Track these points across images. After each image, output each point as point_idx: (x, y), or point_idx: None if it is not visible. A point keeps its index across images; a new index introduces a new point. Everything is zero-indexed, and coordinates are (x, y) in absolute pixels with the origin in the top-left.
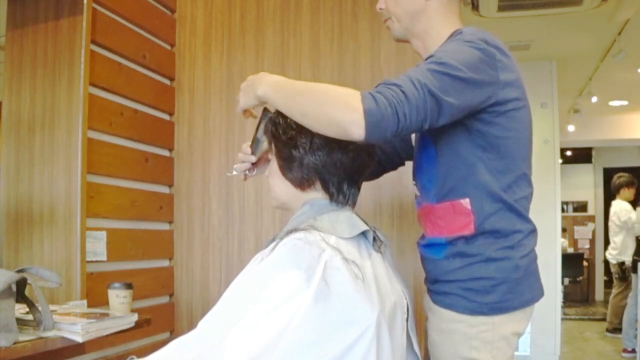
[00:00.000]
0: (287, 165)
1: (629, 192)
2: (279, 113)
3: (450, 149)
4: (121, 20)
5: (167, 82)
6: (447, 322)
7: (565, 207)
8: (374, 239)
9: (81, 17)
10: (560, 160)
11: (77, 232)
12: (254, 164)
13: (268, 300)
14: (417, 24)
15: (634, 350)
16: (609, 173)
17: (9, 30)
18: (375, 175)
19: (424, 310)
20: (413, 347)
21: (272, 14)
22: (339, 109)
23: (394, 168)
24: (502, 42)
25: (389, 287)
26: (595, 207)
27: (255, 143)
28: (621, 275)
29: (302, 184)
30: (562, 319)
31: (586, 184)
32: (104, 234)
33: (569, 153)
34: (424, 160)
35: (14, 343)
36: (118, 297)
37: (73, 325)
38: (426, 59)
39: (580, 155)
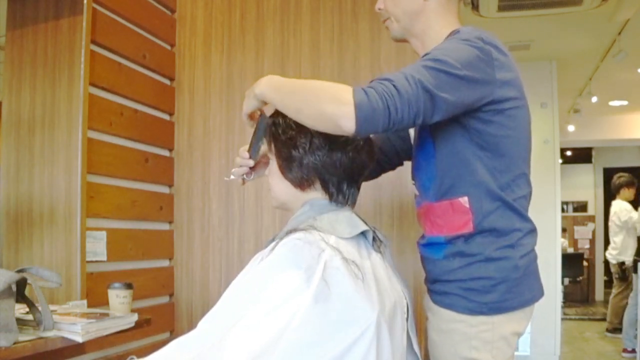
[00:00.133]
0: (286, 165)
1: (629, 192)
2: (278, 113)
3: (448, 148)
4: (121, 20)
5: (167, 82)
6: (446, 322)
7: (565, 207)
8: (374, 238)
9: (81, 17)
10: (560, 160)
11: (77, 232)
12: (251, 168)
13: (268, 300)
14: (415, 24)
15: (634, 350)
16: (609, 173)
17: (9, 30)
18: (374, 175)
19: (424, 310)
20: (413, 347)
21: (272, 14)
22: (330, 103)
23: (393, 168)
24: (502, 42)
25: (389, 287)
26: (595, 207)
27: (253, 147)
28: (621, 275)
29: (301, 184)
30: (562, 319)
31: (586, 184)
32: (104, 234)
33: (569, 153)
34: (423, 158)
35: (14, 343)
36: (118, 297)
37: (73, 325)
38: (422, 57)
39: (580, 155)
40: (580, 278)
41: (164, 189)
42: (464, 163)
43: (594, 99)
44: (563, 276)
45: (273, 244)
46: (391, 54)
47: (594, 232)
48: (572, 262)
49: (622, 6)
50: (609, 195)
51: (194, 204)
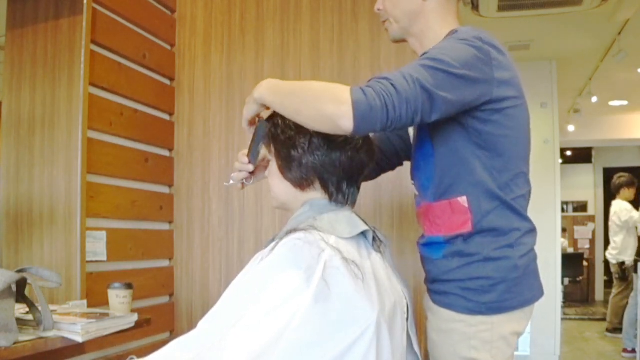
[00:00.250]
0: (286, 165)
1: (629, 192)
2: (277, 114)
3: (447, 147)
4: (121, 20)
5: (167, 82)
6: (446, 322)
7: (565, 207)
8: (374, 238)
9: (81, 17)
10: (560, 160)
11: (77, 232)
12: (251, 173)
13: (268, 300)
14: (414, 24)
15: (634, 350)
16: (609, 173)
17: (9, 30)
18: (374, 175)
19: (424, 310)
20: (413, 347)
21: (272, 14)
22: (328, 103)
23: (392, 168)
24: (502, 42)
25: (389, 287)
26: (595, 207)
27: (252, 152)
28: (621, 275)
29: (301, 184)
30: (562, 319)
31: (586, 184)
32: (104, 234)
33: (569, 153)
34: (421, 158)
35: (14, 343)
36: (118, 297)
37: (73, 325)
38: (421, 56)
39: (580, 155)
40: (580, 278)
41: (164, 189)
42: (463, 162)
43: (594, 99)
44: (563, 276)
45: (273, 244)
46: (391, 53)
47: (594, 232)
48: (572, 262)
49: (622, 6)
50: (609, 195)
51: (194, 204)
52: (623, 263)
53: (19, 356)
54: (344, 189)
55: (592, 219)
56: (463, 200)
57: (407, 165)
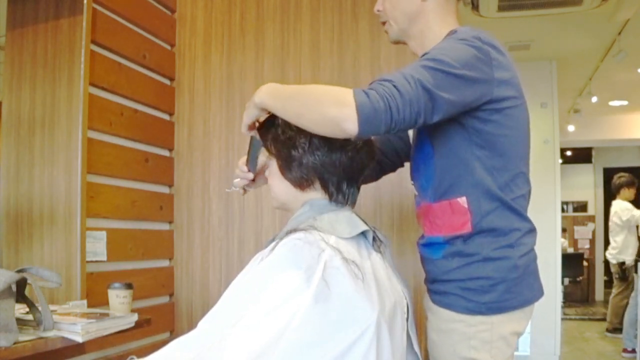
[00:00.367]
0: (286, 165)
1: (630, 192)
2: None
3: (447, 148)
4: (121, 20)
5: (167, 82)
6: (446, 322)
7: (565, 207)
8: (374, 238)
9: (81, 17)
10: (560, 160)
11: (77, 232)
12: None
13: (268, 300)
14: (414, 25)
15: (634, 350)
16: (609, 173)
17: (9, 30)
18: (375, 177)
19: (424, 310)
20: (413, 347)
21: (272, 14)
22: (331, 106)
23: (393, 169)
24: (502, 42)
25: (389, 287)
26: (595, 207)
27: (251, 160)
28: (621, 275)
29: (301, 184)
30: (562, 319)
31: (586, 184)
32: (104, 234)
33: (569, 153)
34: (421, 159)
35: (14, 343)
36: (118, 297)
37: (73, 325)
38: (421, 57)
39: (580, 155)
40: (580, 278)
41: (164, 189)
42: (463, 162)
43: (594, 99)
44: (563, 276)
45: (273, 244)
46: (391, 54)
47: (594, 232)
48: (572, 262)
49: (622, 6)
50: (609, 195)
51: (194, 204)
52: (623, 263)
53: (19, 356)
54: (344, 189)
55: (592, 219)
56: (463, 200)
57: (407, 165)
